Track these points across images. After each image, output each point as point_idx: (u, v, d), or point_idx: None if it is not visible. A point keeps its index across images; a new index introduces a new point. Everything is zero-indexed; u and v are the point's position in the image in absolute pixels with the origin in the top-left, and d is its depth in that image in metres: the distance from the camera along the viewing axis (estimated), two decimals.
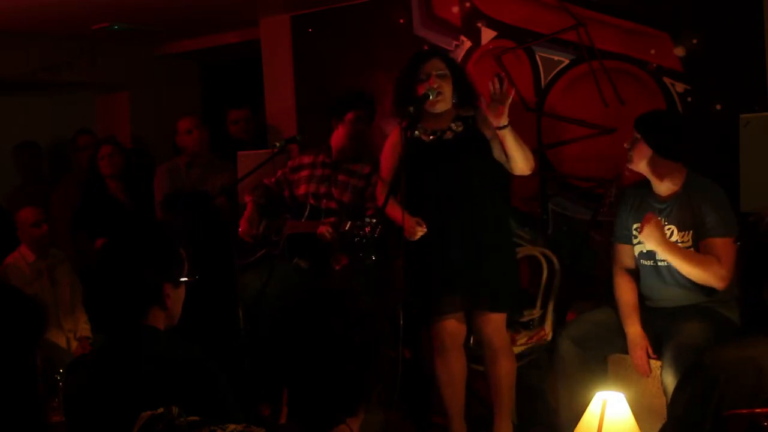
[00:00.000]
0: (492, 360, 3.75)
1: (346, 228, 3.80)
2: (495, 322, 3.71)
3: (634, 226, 3.52)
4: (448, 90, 3.65)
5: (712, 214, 3.33)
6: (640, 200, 3.54)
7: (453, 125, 3.68)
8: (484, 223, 3.65)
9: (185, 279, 2.20)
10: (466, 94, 3.72)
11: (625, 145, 3.50)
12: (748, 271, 2.08)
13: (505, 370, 3.75)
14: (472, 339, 3.90)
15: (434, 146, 3.69)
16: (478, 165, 3.63)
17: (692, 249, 3.38)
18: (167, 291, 2.14)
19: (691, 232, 3.39)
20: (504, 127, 3.50)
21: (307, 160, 4.45)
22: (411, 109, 3.56)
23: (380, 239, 3.59)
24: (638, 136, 3.44)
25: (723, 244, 3.30)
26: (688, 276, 3.34)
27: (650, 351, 3.41)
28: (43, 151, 6.33)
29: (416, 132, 3.69)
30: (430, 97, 3.57)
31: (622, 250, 3.60)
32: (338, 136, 4.35)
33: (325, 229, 4.09)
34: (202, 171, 5.06)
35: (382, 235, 3.56)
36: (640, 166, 3.46)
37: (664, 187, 3.47)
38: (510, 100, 3.46)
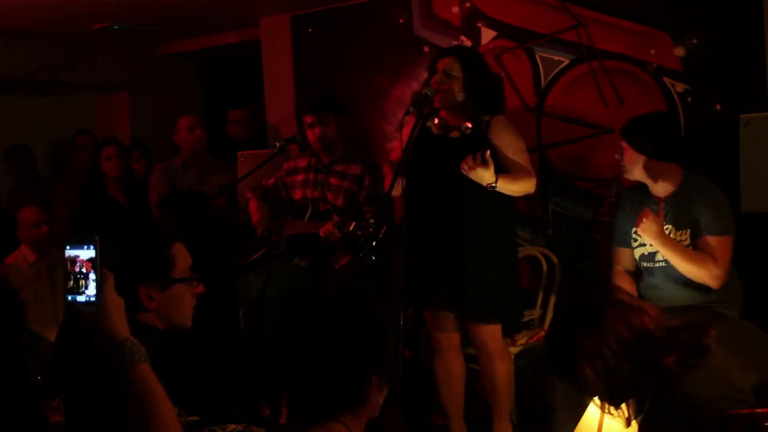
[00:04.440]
0: (487, 364, 3.73)
1: (351, 228, 3.80)
2: (489, 329, 3.68)
3: (633, 229, 3.52)
4: (453, 89, 3.59)
5: (709, 212, 3.33)
6: (638, 203, 3.54)
7: (463, 126, 3.64)
8: (478, 230, 3.59)
9: (177, 280, 2.10)
10: (481, 98, 3.62)
11: (615, 156, 3.49)
12: None
13: (501, 373, 3.72)
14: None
15: (439, 142, 3.67)
16: None
17: (690, 248, 3.39)
18: (148, 293, 2.05)
19: (688, 231, 3.39)
20: (493, 186, 3.45)
21: (302, 163, 4.44)
22: (411, 109, 3.55)
23: (383, 239, 3.59)
24: (625, 144, 3.43)
25: (719, 243, 3.31)
26: (683, 273, 3.34)
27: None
28: (33, 152, 6.32)
29: (428, 123, 3.68)
30: (429, 96, 3.56)
31: (622, 253, 3.59)
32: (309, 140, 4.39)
33: (327, 230, 4.06)
34: (199, 171, 5.05)
35: (386, 235, 3.56)
36: (635, 173, 3.45)
37: (660, 189, 3.46)
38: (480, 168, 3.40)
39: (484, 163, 3.36)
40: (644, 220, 3.33)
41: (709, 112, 4.04)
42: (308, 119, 4.32)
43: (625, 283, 3.55)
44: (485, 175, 3.40)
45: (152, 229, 2.24)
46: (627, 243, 3.55)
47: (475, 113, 3.61)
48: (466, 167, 3.39)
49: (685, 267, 3.32)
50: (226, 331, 4.01)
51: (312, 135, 4.32)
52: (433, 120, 3.66)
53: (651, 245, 3.45)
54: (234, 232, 4.35)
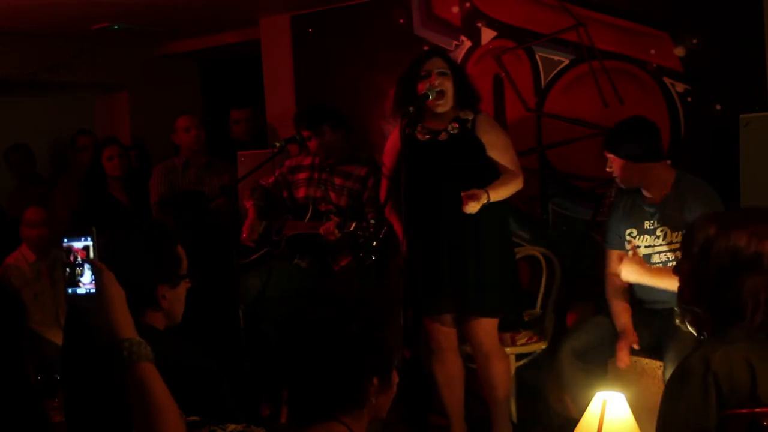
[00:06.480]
0: (483, 364, 3.73)
1: (351, 228, 3.80)
2: (485, 327, 3.69)
3: (627, 231, 3.52)
4: (449, 89, 3.63)
5: (703, 213, 3.34)
6: (631, 205, 3.55)
7: (449, 127, 3.66)
8: (475, 227, 3.60)
9: (182, 277, 2.18)
10: (466, 96, 3.70)
11: (607, 169, 3.52)
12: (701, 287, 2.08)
13: (498, 372, 3.72)
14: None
15: (429, 147, 3.68)
16: (469, 169, 3.59)
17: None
18: (162, 292, 2.12)
19: (684, 232, 3.39)
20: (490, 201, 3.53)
21: (306, 161, 4.45)
22: (411, 108, 3.55)
23: (383, 240, 3.59)
24: (611, 156, 3.46)
25: None
26: None
27: (635, 345, 3.44)
28: (33, 152, 6.32)
29: (413, 131, 3.68)
30: (430, 97, 3.56)
31: (614, 255, 3.60)
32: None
33: (327, 228, 4.06)
34: (198, 171, 5.06)
35: (386, 235, 3.56)
36: (629, 181, 3.48)
37: (655, 192, 3.48)
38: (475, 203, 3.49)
39: (474, 197, 3.47)
40: (622, 266, 3.37)
41: (709, 112, 4.04)
42: (304, 133, 4.33)
43: (617, 284, 3.56)
44: (481, 200, 3.50)
45: (162, 229, 2.28)
46: (620, 245, 3.57)
47: (459, 110, 3.64)
48: (469, 208, 3.47)
49: None
50: (226, 331, 4.01)
51: (311, 146, 4.34)
52: (417, 128, 3.68)
53: (646, 248, 3.46)
54: (234, 232, 4.35)
